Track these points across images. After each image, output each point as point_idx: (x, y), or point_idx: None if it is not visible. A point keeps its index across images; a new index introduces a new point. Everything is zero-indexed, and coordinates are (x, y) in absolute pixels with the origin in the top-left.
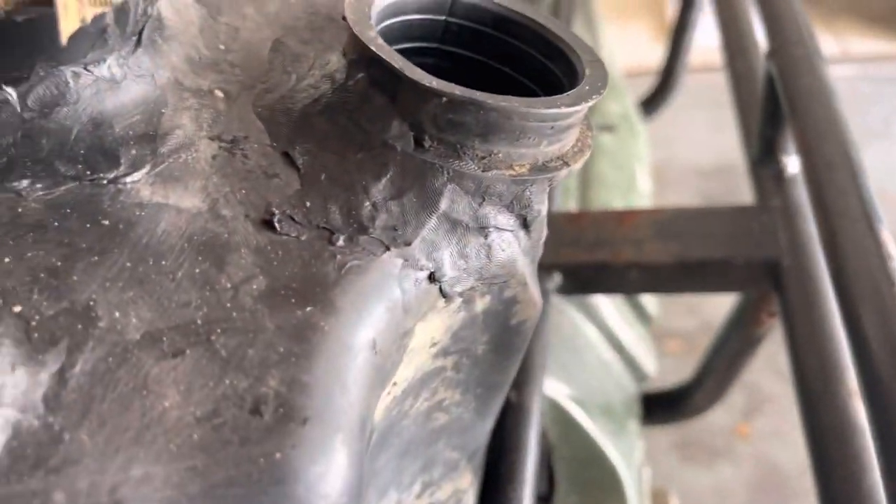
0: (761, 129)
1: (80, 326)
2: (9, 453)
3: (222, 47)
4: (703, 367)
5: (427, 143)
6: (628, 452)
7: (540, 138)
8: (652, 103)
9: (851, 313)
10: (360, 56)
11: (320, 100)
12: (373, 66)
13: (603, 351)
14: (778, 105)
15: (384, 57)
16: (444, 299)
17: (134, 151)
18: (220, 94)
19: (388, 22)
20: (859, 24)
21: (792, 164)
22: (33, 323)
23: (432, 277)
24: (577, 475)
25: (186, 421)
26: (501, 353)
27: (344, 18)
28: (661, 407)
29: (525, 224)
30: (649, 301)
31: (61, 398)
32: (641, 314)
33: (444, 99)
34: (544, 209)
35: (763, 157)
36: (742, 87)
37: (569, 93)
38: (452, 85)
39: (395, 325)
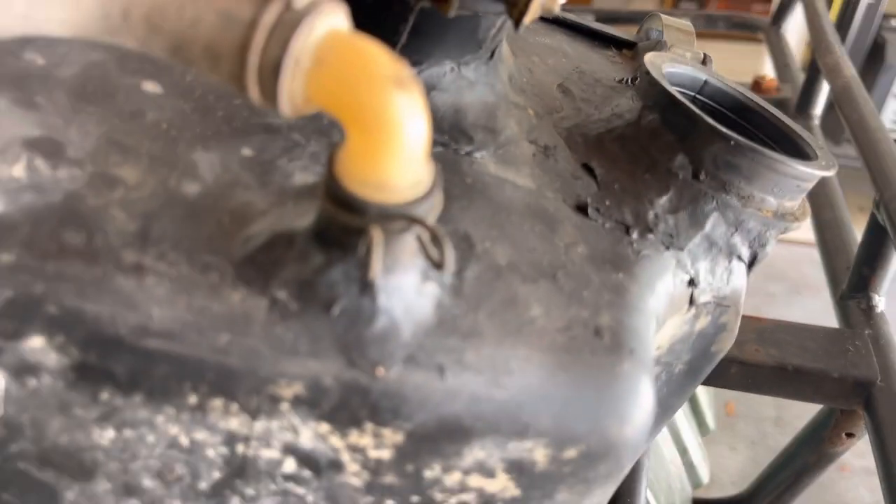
0: (857, 268)
1: (463, 246)
2: (437, 318)
3: (524, 80)
4: (764, 478)
5: (702, 176)
6: None
7: (785, 192)
8: None
9: None
10: (657, 102)
11: (613, 131)
12: (668, 111)
13: (669, 449)
14: (880, 248)
15: (684, 104)
16: (689, 305)
17: (480, 136)
18: (531, 111)
19: None
20: None
21: (880, 301)
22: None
23: (691, 283)
24: None
25: (550, 329)
26: (690, 377)
27: (647, 73)
28: None
29: (753, 262)
30: (709, 413)
31: (461, 291)
32: (702, 424)
33: (732, 143)
34: (769, 253)
35: (853, 293)
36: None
37: (817, 161)
38: (735, 134)
39: (663, 311)
